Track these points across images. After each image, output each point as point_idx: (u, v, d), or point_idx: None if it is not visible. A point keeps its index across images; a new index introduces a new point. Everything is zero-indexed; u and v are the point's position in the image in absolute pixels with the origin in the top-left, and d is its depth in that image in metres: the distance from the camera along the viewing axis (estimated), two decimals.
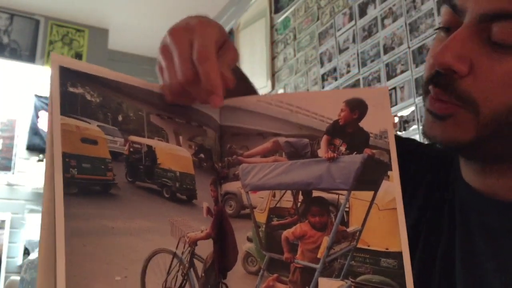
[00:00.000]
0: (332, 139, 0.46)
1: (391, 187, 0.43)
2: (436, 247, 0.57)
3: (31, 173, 3.71)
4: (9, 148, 3.72)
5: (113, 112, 0.44)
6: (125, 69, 4.42)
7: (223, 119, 0.49)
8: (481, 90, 0.47)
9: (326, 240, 0.44)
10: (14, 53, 3.81)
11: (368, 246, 0.43)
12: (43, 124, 3.84)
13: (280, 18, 3.15)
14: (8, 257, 3.54)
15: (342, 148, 0.46)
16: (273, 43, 3.20)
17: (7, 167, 3.68)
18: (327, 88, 2.58)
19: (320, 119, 0.47)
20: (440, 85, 0.50)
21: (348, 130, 0.46)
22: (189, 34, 0.46)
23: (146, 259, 0.40)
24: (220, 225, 0.48)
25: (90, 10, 3.91)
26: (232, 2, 3.77)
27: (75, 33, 4.06)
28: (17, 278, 3.08)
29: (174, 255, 0.43)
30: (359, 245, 0.43)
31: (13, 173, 3.69)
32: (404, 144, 0.69)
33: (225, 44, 0.50)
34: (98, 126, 0.42)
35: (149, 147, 0.46)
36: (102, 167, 0.41)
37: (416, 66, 2.02)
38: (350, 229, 0.44)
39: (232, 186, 0.49)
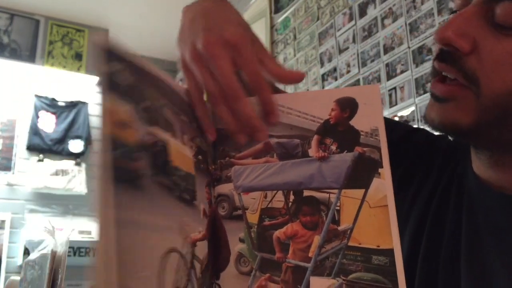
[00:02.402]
0: (323, 139, 0.47)
1: (382, 184, 0.43)
2: (440, 242, 0.57)
3: (31, 173, 3.71)
4: (9, 148, 3.72)
5: (141, 99, 0.42)
6: None
7: (216, 122, 0.49)
8: (484, 70, 0.47)
9: (317, 239, 0.44)
10: (14, 53, 3.82)
11: (360, 244, 0.43)
12: (43, 124, 3.84)
13: (280, 18, 3.15)
14: (8, 257, 3.54)
15: (333, 147, 0.46)
16: (273, 43, 3.20)
17: (7, 167, 3.68)
18: (327, 88, 2.58)
19: (311, 119, 0.48)
20: (445, 61, 0.50)
21: (339, 129, 0.46)
22: (229, 51, 0.45)
23: (163, 257, 0.40)
24: (214, 227, 0.48)
25: (90, 10, 3.91)
26: (232, 2, 3.76)
27: (75, 33, 4.06)
28: (17, 278, 3.08)
29: (181, 255, 0.43)
30: (350, 243, 0.43)
31: (13, 173, 3.69)
32: (414, 135, 0.69)
33: (256, 38, 0.50)
34: (129, 109, 0.40)
35: (164, 142, 0.45)
36: (132, 155, 0.39)
37: (416, 66, 2.02)
38: (341, 227, 0.44)
39: (224, 188, 0.49)
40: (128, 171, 0.38)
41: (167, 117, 0.46)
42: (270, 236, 0.46)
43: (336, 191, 0.44)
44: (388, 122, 0.72)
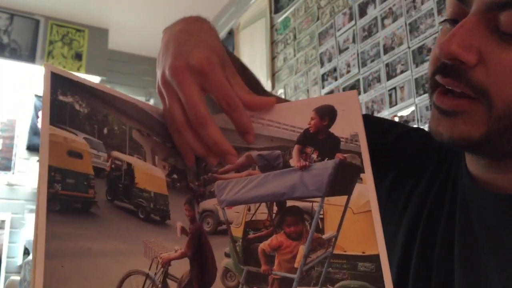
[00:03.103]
0: (304, 148, 0.46)
1: (365, 189, 0.42)
2: (434, 240, 0.57)
3: (31, 173, 3.71)
4: (9, 148, 3.72)
5: (99, 124, 0.43)
6: (125, 69, 4.43)
7: None
8: (494, 81, 0.46)
9: (302, 249, 0.43)
10: (14, 53, 3.82)
11: (345, 251, 0.42)
12: None
13: (280, 18, 3.15)
14: (8, 257, 3.54)
15: (314, 156, 0.46)
16: (273, 43, 3.20)
17: (7, 167, 3.68)
18: (327, 88, 2.58)
19: (291, 129, 0.48)
20: (450, 75, 0.48)
21: (319, 137, 0.46)
22: (196, 76, 0.46)
23: (120, 280, 0.39)
24: (199, 243, 0.48)
25: (90, 10, 3.91)
26: (232, 2, 3.77)
27: (75, 33, 4.06)
28: (17, 278, 3.08)
29: (147, 276, 0.42)
30: (335, 251, 0.42)
31: (13, 173, 3.69)
32: (409, 136, 0.68)
33: (227, 62, 0.50)
34: (84, 138, 0.41)
35: (129, 165, 0.45)
36: (85, 183, 0.40)
37: (416, 66, 2.02)
38: (326, 235, 0.43)
39: (209, 204, 0.49)
40: (79, 199, 0.39)
41: (134, 139, 0.46)
42: (255, 249, 0.46)
43: (319, 199, 0.44)
44: (383, 123, 0.73)
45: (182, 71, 0.46)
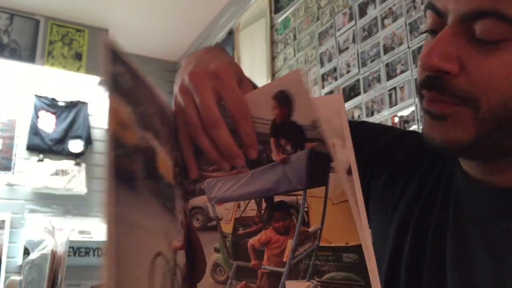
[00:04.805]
0: (278, 140, 0.46)
1: (338, 178, 0.42)
2: (426, 236, 0.58)
3: (31, 173, 3.71)
4: (9, 148, 3.72)
5: (136, 103, 0.42)
6: None
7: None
8: (478, 86, 0.48)
9: (290, 243, 0.43)
10: (14, 53, 3.82)
11: (330, 243, 0.42)
12: (43, 124, 3.84)
13: (280, 18, 3.15)
14: (8, 257, 3.54)
15: (288, 148, 0.45)
16: (273, 43, 3.20)
17: (7, 167, 3.68)
18: (327, 88, 2.58)
19: (261, 122, 0.47)
20: (434, 88, 0.50)
21: (286, 128, 0.45)
22: (212, 81, 0.48)
23: (152, 259, 0.40)
24: (189, 239, 0.48)
25: (90, 10, 3.91)
26: (232, 2, 3.77)
27: (75, 33, 4.06)
28: (17, 278, 3.08)
29: (166, 260, 0.43)
30: (321, 244, 0.42)
31: (13, 173, 3.69)
32: (402, 138, 0.70)
33: (244, 78, 0.53)
34: (130, 112, 0.40)
35: (154, 148, 0.45)
36: (131, 156, 0.39)
37: (416, 66, 2.02)
38: (312, 228, 0.43)
39: (198, 201, 0.50)
40: (127, 171, 0.38)
41: (156, 125, 0.46)
42: (244, 245, 0.46)
43: (302, 192, 0.43)
44: (377, 129, 0.74)
45: (201, 76, 0.48)
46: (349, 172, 0.43)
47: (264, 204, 0.46)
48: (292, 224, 0.44)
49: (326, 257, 0.42)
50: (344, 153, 0.43)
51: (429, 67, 0.49)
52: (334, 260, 0.41)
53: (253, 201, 0.47)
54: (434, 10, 0.51)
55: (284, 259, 0.43)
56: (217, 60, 0.50)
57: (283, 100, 0.45)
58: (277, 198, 0.45)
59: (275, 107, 0.46)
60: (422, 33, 0.54)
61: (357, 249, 0.40)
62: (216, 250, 0.48)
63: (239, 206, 0.47)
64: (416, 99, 1.99)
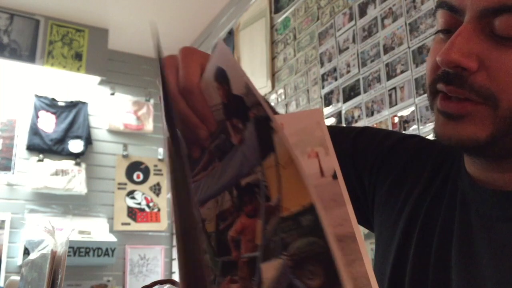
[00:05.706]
0: (232, 122, 0.45)
1: (279, 138, 0.39)
2: (432, 237, 0.58)
3: (31, 173, 3.71)
4: (9, 148, 3.72)
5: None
6: (125, 69, 4.42)
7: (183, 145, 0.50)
8: (497, 83, 0.47)
9: (260, 225, 0.41)
10: (14, 53, 3.81)
11: (291, 212, 0.39)
12: (43, 124, 3.84)
13: (280, 18, 3.15)
14: (8, 257, 3.54)
15: (240, 125, 0.44)
16: (273, 43, 3.20)
17: (7, 167, 3.68)
18: (327, 88, 2.58)
19: (215, 108, 0.47)
20: (453, 83, 0.50)
21: (233, 105, 0.44)
22: (200, 60, 0.48)
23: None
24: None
25: (90, 10, 3.91)
26: (232, 2, 3.77)
27: (75, 33, 4.06)
28: (17, 278, 3.08)
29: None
30: (284, 214, 0.39)
31: (13, 173, 3.69)
32: (406, 142, 0.70)
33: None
34: None
35: None
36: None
37: (416, 66, 2.02)
38: (273, 201, 0.41)
39: None
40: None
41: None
42: (227, 239, 0.45)
43: (260, 168, 0.42)
44: (379, 133, 0.74)
45: (191, 51, 0.49)
46: (334, 176, 0.42)
47: (235, 192, 0.45)
48: (259, 204, 0.42)
49: (289, 227, 0.39)
50: (328, 160, 0.42)
51: (448, 62, 0.49)
52: (295, 228, 0.38)
53: (227, 192, 0.46)
54: (448, 8, 0.51)
55: (258, 242, 0.41)
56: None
57: (221, 77, 0.45)
58: (243, 182, 0.44)
59: (219, 88, 0.45)
60: (435, 33, 0.55)
61: (312, 209, 0.37)
62: (204, 252, 0.47)
63: (217, 202, 0.47)
64: (417, 99, 1.99)
